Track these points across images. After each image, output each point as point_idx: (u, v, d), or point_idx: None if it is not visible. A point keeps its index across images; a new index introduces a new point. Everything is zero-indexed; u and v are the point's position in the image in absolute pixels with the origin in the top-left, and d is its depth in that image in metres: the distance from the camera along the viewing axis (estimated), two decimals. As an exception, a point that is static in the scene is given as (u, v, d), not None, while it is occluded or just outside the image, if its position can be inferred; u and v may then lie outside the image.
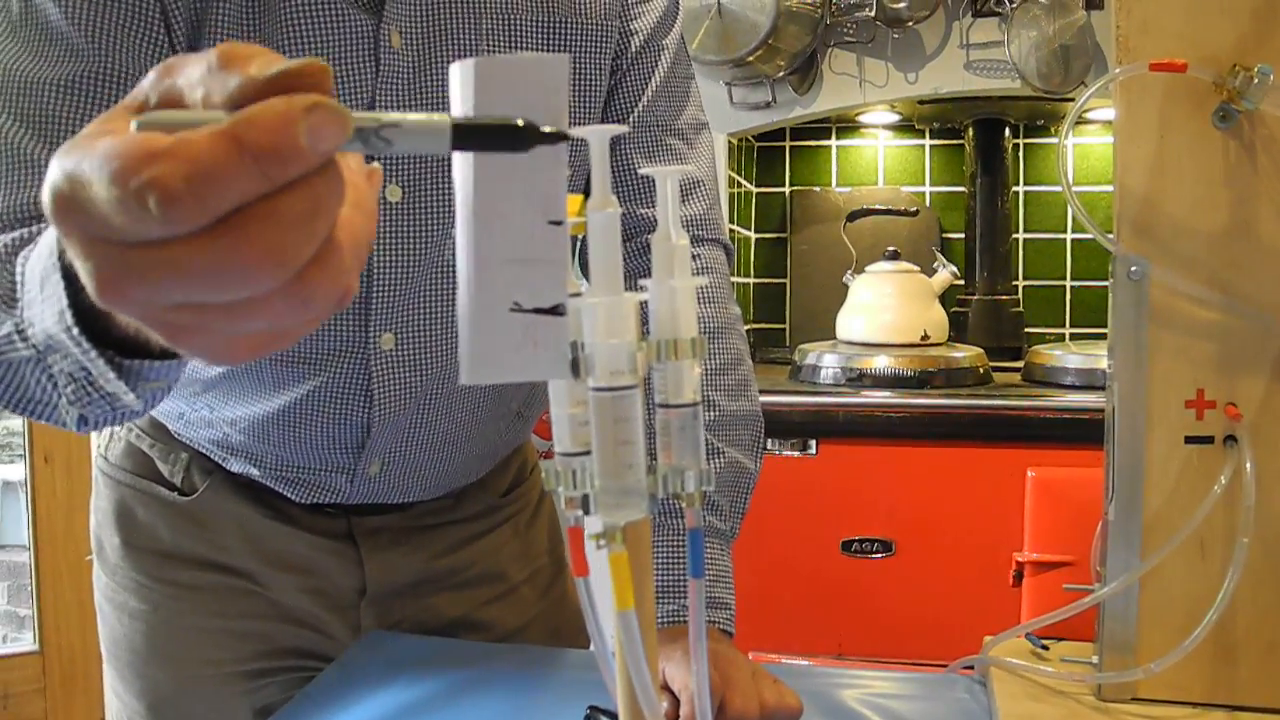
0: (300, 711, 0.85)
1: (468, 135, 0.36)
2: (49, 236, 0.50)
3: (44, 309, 0.52)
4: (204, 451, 0.98)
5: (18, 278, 0.57)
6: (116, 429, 1.03)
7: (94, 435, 2.34)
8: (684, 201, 0.99)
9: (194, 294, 0.34)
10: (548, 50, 0.89)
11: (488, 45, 0.86)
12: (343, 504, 0.99)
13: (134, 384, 0.52)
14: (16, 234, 0.67)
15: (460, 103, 0.40)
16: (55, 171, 0.34)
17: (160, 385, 0.54)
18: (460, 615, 1.05)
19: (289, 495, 0.97)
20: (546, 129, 0.36)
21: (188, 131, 0.32)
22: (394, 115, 0.35)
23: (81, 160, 0.33)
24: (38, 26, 0.73)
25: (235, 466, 0.97)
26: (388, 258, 0.86)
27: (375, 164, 0.41)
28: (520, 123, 0.36)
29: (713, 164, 1.03)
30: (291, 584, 0.99)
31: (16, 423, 2.66)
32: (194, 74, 0.35)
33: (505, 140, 0.36)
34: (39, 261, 0.52)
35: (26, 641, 2.45)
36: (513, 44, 0.87)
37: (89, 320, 0.49)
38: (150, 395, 0.56)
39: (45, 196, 0.34)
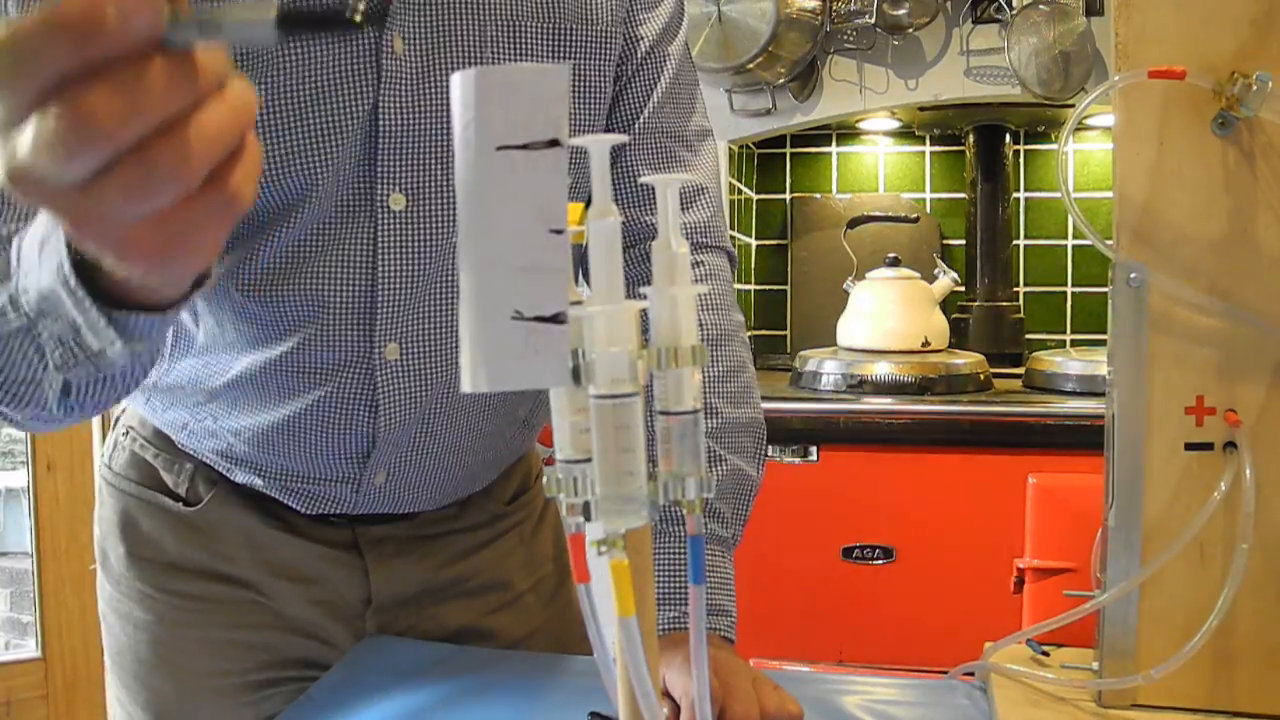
0: (302, 715, 0.85)
1: (291, 22, 0.38)
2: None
3: (41, 271, 0.56)
4: (208, 462, 0.98)
5: (12, 256, 0.61)
6: (121, 438, 1.03)
7: (99, 445, 2.34)
8: (688, 208, 0.99)
9: (50, 165, 0.39)
10: (553, 56, 0.89)
11: (492, 52, 0.86)
12: (348, 514, 0.99)
13: (122, 335, 0.56)
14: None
15: (461, 112, 0.40)
16: None
17: (141, 347, 0.58)
18: (465, 624, 1.05)
19: (294, 506, 0.97)
20: (358, 17, 0.39)
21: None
22: (216, 9, 0.39)
23: None
24: None
25: (240, 477, 0.97)
26: (392, 268, 0.85)
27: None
28: (340, 11, 0.39)
29: (717, 171, 1.03)
30: (296, 594, 0.99)
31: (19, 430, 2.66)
32: None
33: (326, 25, 0.39)
34: (37, 231, 0.57)
35: (29, 648, 2.46)
36: (518, 50, 0.87)
37: (84, 279, 0.53)
38: (132, 359, 0.60)
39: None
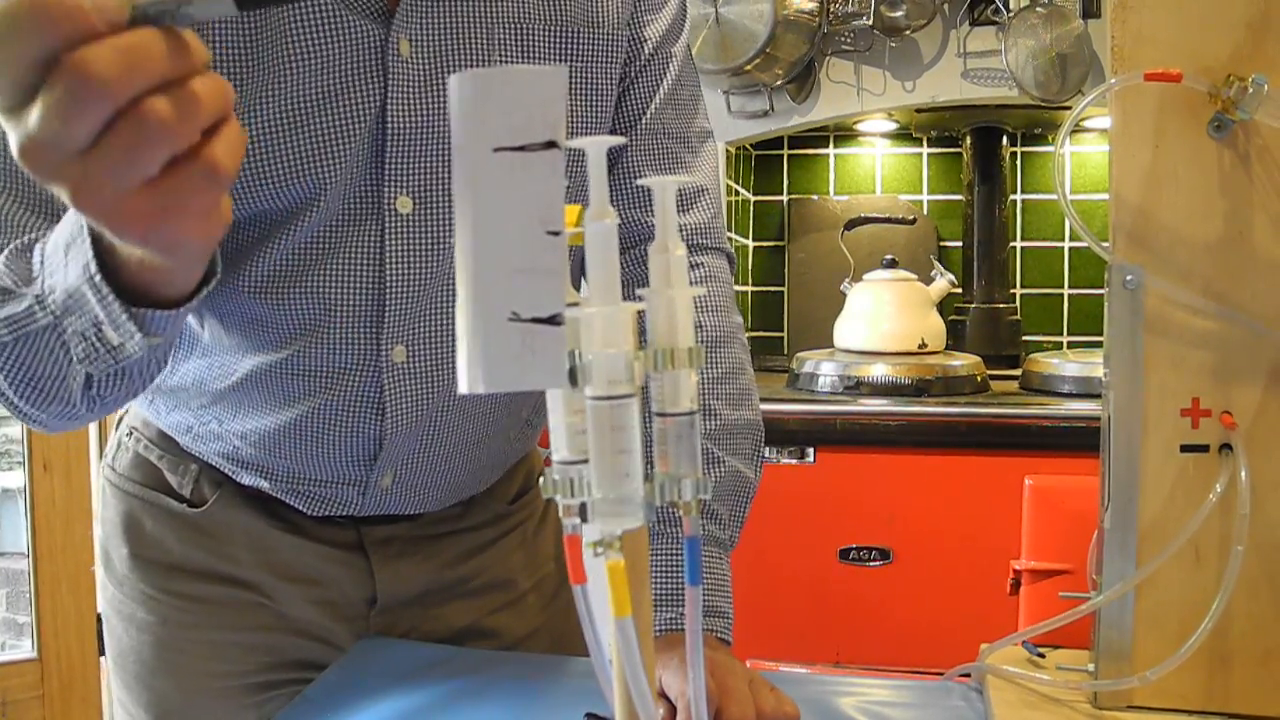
0: (299, 716, 0.85)
1: None
2: (70, 213, 0.61)
3: (67, 271, 0.61)
4: (214, 464, 0.98)
5: (35, 260, 0.66)
6: (125, 439, 1.03)
7: (95, 445, 2.34)
8: (688, 210, 0.99)
9: (57, 133, 0.44)
10: (559, 58, 0.89)
11: (499, 54, 0.86)
12: (353, 515, 0.99)
13: (140, 328, 0.61)
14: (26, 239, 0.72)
15: (459, 114, 0.40)
16: None
17: (158, 340, 0.63)
18: (468, 624, 1.05)
19: (300, 507, 0.97)
20: None
21: None
22: None
23: None
24: None
25: (245, 479, 0.96)
26: (400, 270, 0.85)
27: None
28: None
29: (717, 172, 1.03)
30: (300, 595, 0.99)
31: (16, 430, 2.66)
32: None
33: None
34: (62, 233, 0.62)
35: (25, 649, 2.45)
36: (523, 52, 0.87)
37: (108, 279, 0.59)
38: (149, 353, 0.65)
39: None
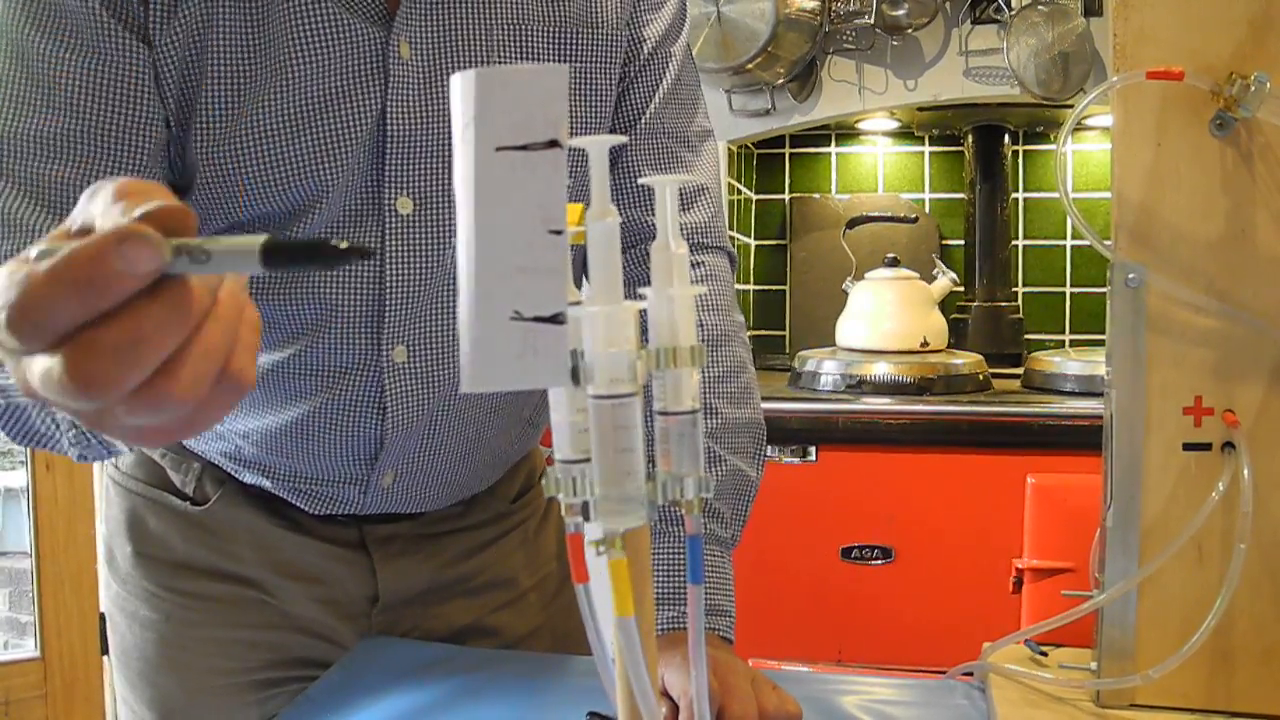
0: (301, 715, 0.85)
1: (276, 254, 0.39)
2: None
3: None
4: (216, 463, 0.98)
5: None
6: None
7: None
8: (688, 209, 0.99)
9: (62, 400, 0.41)
10: (559, 59, 0.89)
11: (498, 54, 0.86)
12: (355, 513, 0.99)
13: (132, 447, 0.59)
14: None
15: (461, 113, 0.40)
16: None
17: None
18: (470, 622, 1.06)
19: (302, 506, 0.97)
20: (343, 245, 0.39)
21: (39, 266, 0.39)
22: (209, 240, 0.39)
23: None
24: (24, 73, 0.74)
25: (248, 478, 0.97)
26: (400, 271, 0.86)
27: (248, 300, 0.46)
28: (327, 241, 0.39)
29: (717, 171, 1.03)
30: (303, 593, 0.99)
31: (18, 429, 2.66)
32: (100, 205, 0.41)
33: (312, 257, 0.39)
34: None
35: (28, 648, 2.45)
36: (523, 52, 0.87)
37: None
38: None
39: None
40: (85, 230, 0.41)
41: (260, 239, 0.39)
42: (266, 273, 0.39)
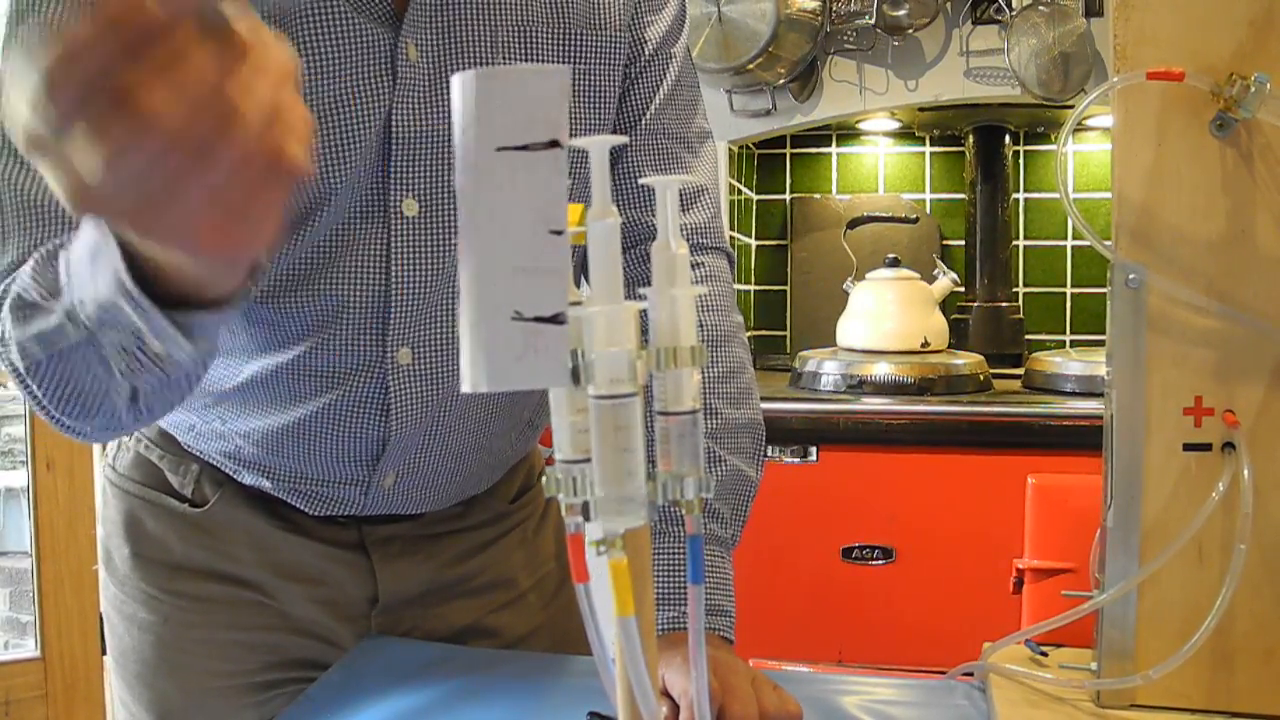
0: (301, 715, 0.85)
1: None
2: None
3: (97, 281, 0.57)
4: (215, 464, 0.98)
5: (61, 269, 0.61)
6: (125, 439, 1.03)
7: (100, 446, 2.34)
8: (688, 210, 0.99)
9: (118, 167, 0.40)
10: (563, 61, 0.90)
11: (503, 56, 0.86)
12: (355, 514, 0.99)
13: (187, 336, 0.57)
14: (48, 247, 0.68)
15: (462, 114, 0.40)
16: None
17: (207, 345, 0.60)
18: (469, 623, 1.06)
19: (302, 507, 0.97)
20: None
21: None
22: None
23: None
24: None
25: (247, 479, 0.97)
26: (405, 272, 0.86)
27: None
28: None
29: (716, 173, 1.03)
30: (302, 595, 0.99)
31: (19, 429, 2.67)
32: None
33: None
34: (85, 242, 0.58)
35: (28, 648, 2.45)
36: (528, 54, 0.88)
37: (143, 286, 0.55)
38: (197, 358, 0.61)
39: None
40: None
41: None
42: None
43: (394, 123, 0.82)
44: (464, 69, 0.83)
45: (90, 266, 0.57)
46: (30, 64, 0.38)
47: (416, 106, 0.83)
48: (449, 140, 0.84)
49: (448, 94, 0.83)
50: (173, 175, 0.41)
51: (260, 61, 0.43)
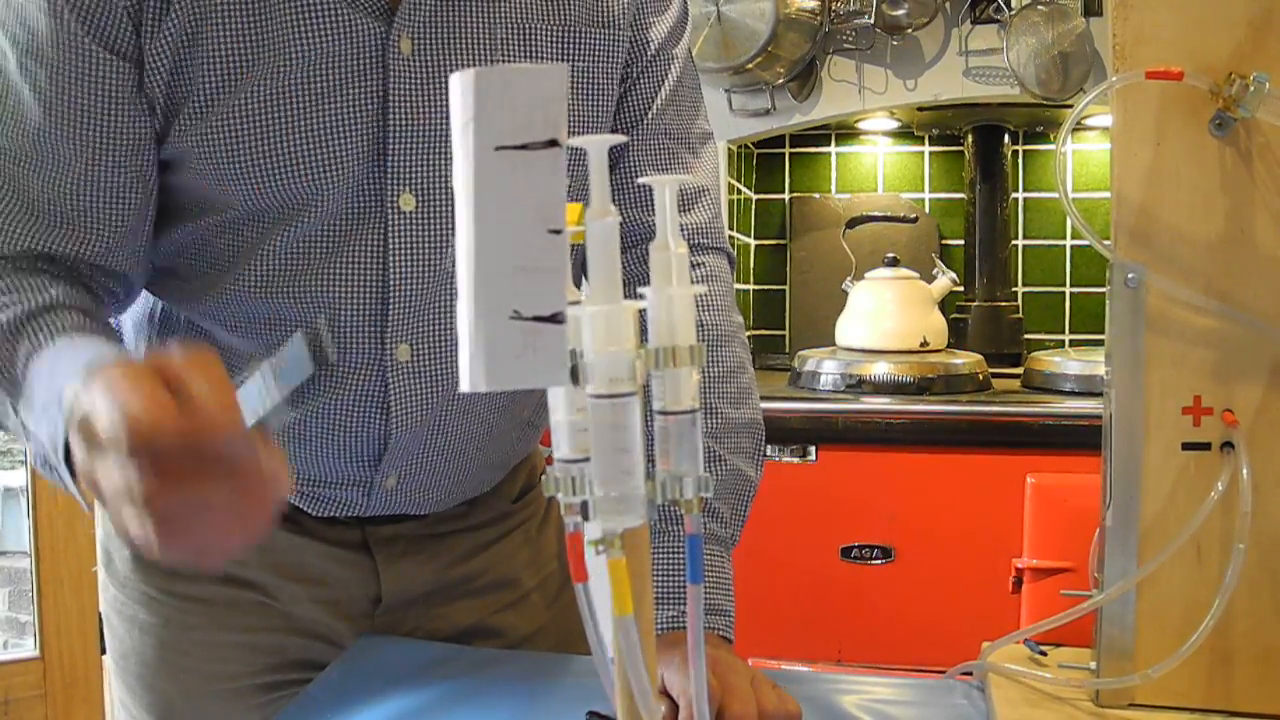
0: (300, 714, 0.85)
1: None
2: (63, 365, 0.66)
3: (38, 427, 0.66)
4: None
5: (19, 362, 0.71)
6: None
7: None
8: (688, 210, 0.99)
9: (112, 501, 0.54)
10: (562, 58, 0.89)
11: (501, 53, 0.86)
12: (358, 515, 0.99)
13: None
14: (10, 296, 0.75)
15: (460, 113, 0.40)
16: (84, 402, 0.55)
17: None
18: (472, 623, 1.05)
19: (304, 509, 0.97)
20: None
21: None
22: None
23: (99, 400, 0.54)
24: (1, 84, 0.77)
25: None
26: (404, 268, 0.86)
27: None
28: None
29: (717, 173, 1.03)
30: (305, 595, 0.99)
31: (18, 429, 2.66)
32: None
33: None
34: (45, 382, 0.67)
35: (27, 648, 2.45)
36: (527, 51, 0.87)
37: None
38: None
39: (75, 423, 0.56)
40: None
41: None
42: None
43: (389, 116, 0.82)
44: (460, 64, 0.83)
45: (40, 412, 0.66)
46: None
47: (412, 100, 0.82)
48: (447, 135, 0.84)
49: (445, 89, 0.83)
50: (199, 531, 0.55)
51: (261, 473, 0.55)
